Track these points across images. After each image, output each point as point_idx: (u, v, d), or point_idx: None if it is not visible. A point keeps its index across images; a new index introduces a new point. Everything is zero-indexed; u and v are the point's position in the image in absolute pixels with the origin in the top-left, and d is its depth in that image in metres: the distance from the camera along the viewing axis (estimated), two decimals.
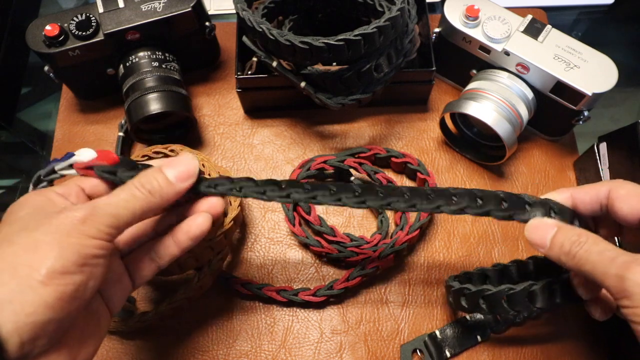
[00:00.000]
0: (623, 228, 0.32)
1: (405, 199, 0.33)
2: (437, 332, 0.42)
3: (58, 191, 0.28)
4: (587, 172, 0.48)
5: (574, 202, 0.32)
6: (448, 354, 0.42)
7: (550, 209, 0.31)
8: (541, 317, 0.43)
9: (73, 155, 0.30)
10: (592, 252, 0.27)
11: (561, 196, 0.32)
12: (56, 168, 0.30)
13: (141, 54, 0.47)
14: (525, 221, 0.31)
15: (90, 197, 0.29)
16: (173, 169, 0.29)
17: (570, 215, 0.32)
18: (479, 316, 0.43)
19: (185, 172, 0.29)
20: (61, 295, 0.23)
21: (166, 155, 0.45)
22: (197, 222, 0.31)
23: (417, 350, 0.42)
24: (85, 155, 0.30)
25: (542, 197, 0.33)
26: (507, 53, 0.45)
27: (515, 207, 0.32)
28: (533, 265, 0.39)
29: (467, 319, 0.43)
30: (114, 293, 0.30)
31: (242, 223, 0.48)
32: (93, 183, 0.30)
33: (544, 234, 0.30)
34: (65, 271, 0.24)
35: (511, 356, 0.42)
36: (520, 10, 0.47)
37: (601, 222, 0.33)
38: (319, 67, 0.48)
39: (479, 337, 0.42)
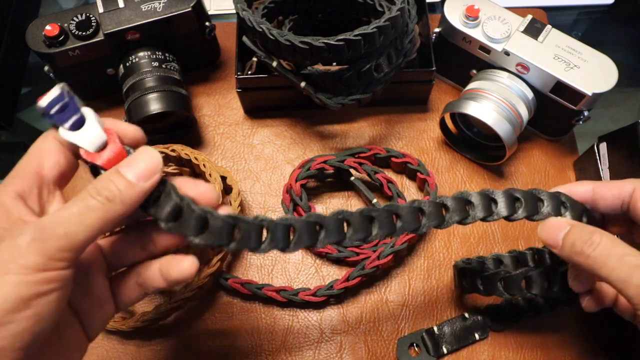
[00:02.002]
0: (635, 227, 0.32)
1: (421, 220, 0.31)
2: (435, 328, 0.43)
3: (17, 189, 0.24)
4: (587, 172, 0.48)
5: (594, 197, 0.31)
6: (445, 350, 0.42)
7: (561, 203, 0.31)
8: (541, 316, 0.43)
9: (76, 121, 0.25)
10: (611, 255, 0.26)
11: (583, 188, 0.32)
12: (60, 131, 0.26)
13: (141, 54, 0.47)
14: (540, 220, 0.31)
15: (53, 183, 0.25)
16: (131, 167, 0.24)
17: (580, 210, 0.31)
18: (478, 315, 0.43)
19: (146, 169, 0.24)
20: None
21: (167, 155, 0.45)
22: (180, 268, 0.27)
23: (414, 345, 0.42)
24: (91, 140, 0.26)
25: (555, 189, 0.32)
26: (507, 53, 0.45)
27: (530, 207, 0.31)
28: (549, 253, 0.39)
29: (466, 317, 0.43)
30: (95, 317, 0.26)
31: None
32: (52, 162, 0.25)
33: (556, 232, 0.29)
34: None
35: (511, 356, 0.42)
36: (520, 10, 0.47)
37: (612, 219, 0.33)
38: (319, 67, 0.48)
39: (477, 336, 0.42)
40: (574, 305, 0.41)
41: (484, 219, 0.31)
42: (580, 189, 0.32)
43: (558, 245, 0.29)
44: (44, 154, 0.25)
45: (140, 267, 0.28)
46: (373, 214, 0.29)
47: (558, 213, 0.31)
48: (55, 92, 0.25)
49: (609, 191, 0.31)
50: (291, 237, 0.28)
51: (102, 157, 0.26)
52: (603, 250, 0.27)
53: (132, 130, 0.27)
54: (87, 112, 0.26)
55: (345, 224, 0.29)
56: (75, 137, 0.26)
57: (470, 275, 0.40)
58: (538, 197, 0.32)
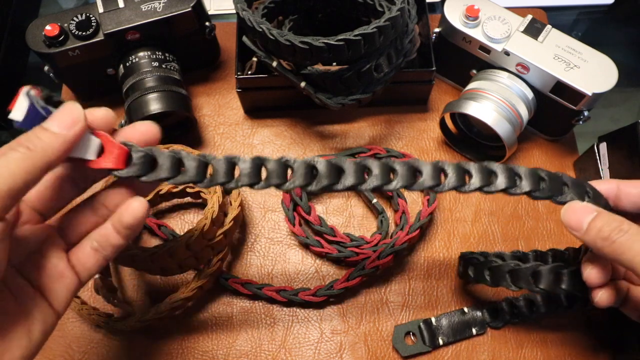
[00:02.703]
0: None
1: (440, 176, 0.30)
2: (433, 319, 0.43)
3: None
4: (587, 172, 0.48)
5: (619, 194, 0.31)
6: (441, 342, 0.42)
7: (586, 192, 0.31)
8: (540, 321, 0.43)
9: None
10: (638, 241, 0.27)
11: (607, 186, 0.32)
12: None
13: (141, 54, 0.47)
14: (562, 204, 0.31)
15: None
16: (53, 120, 0.25)
17: (603, 203, 0.31)
18: (478, 311, 0.43)
19: (69, 119, 0.25)
20: None
21: None
22: (130, 209, 0.28)
23: (411, 334, 0.43)
24: (88, 148, 0.27)
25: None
26: (507, 53, 0.45)
27: (554, 188, 0.31)
28: (552, 257, 0.39)
29: (465, 311, 0.43)
30: (56, 289, 0.27)
31: (242, 223, 0.48)
32: None
33: (582, 217, 0.29)
34: None
35: (511, 355, 0.42)
36: (520, 10, 0.47)
37: (634, 219, 0.32)
38: (319, 67, 0.48)
39: (474, 331, 0.43)
40: (573, 308, 0.41)
41: (505, 191, 0.31)
42: (604, 186, 0.32)
43: (582, 229, 0.29)
44: None
45: (92, 233, 0.29)
46: (343, 165, 0.29)
47: (581, 200, 0.31)
48: (23, 103, 0.25)
49: (635, 189, 0.31)
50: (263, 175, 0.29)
51: (106, 162, 0.27)
52: (630, 236, 0.27)
53: (102, 113, 0.28)
54: None
55: (290, 170, 0.29)
56: (71, 153, 0.26)
57: (477, 265, 0.40)
58: (563, 181, 0.31)
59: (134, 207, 0.28)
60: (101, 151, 0.27)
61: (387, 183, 0.30)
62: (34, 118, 0.25)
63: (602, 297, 0.31)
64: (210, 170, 0.29)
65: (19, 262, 0.26)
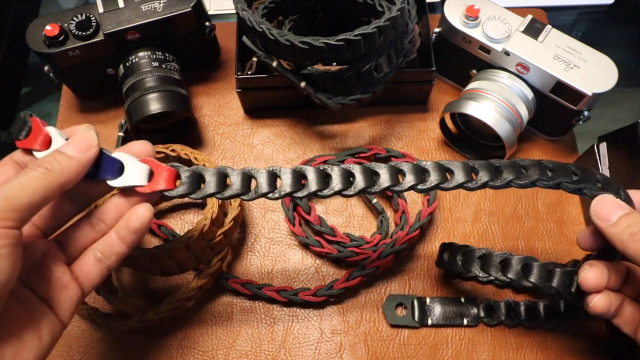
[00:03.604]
0: None
1: (470, 174, 0.31)
2: (428, 299, 0.44)
3: None
4: None
5: None
6: (430, 322, 0.43)
7: (618, 193, 0.31)
8: (533, 329, 0.43)
9: (118, 169, 0.29)
10: None
11: (638, 197, 0.32)
12: (111, 184, 0.29)
13: (141, 54, 0.47)
14: (593, 196, 0.31)
15: None
16: (69, 145, 0.28)
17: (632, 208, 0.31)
18: (474, 305, 0.43)
19: (83, 144, 0.28)
20: None
21: (167, 155, 0.45)
22: (137, 214, 0.29)
23: (403, 306, 0.43)
24: (138, 175, 0.29)
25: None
26: (507, 53, 0.45)
27: (586, 181, 0.31)
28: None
29: (462, 301, 0.44)
30: (61, 300, 0.29)
31: (242, 223, 0.48)
32: (2, 178, 0.28)
33: (614, 210, 0.29)
34: None
35: (511, 356, 0.42)
36: (520, 10, 0.47)
37: None
38: (319, 67, 0.48)
39: (465, 321, 0.43)
40: (571, 317, 0.41)
41: (536, 182, 0.31)
42: (636, 196, 0.32)
43: (610, 220, 0.29)
44: None
45: (95, 244, 0.30)
46: (306, 173, 0.31)
47: None
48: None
49: None
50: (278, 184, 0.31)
51: (158, 184, 0.29)
52: None
53: (139, 147, 0.31)
54: (121, 155, 0.29)
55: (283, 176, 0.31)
56: (125, 182, 0.29)
57: (453, 250, 0.40)
58: (596, 178, 0.32)
59: (141, 212, 0.29)
60: (151, 176, 0.30)
61: (421, 182, 0.31)
62: (97, 165, 0.29)
63: (597, 302, 0.31)
64: (253, 183, 0.31)
65: (23, 273, 0.27)
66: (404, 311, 0.43)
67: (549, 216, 0.48)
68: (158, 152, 0.45)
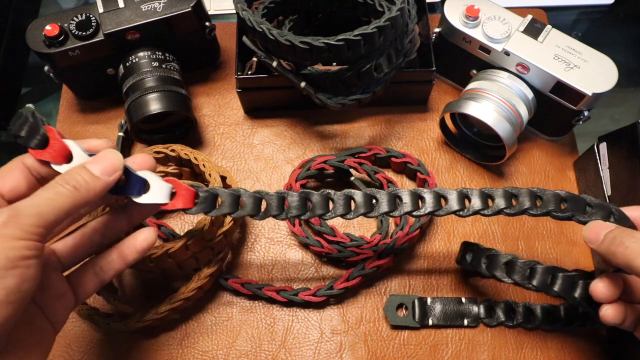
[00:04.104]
0: None
1: (463, 201, 0.34)
2: (429, 299, 0.44)
3: None
4: (587, 172, 0.48)
5: None
6: (430, 322, 0.43)
7: (611, 213, 0.32)
8: (533, 330, 0.43)
9: (141, 186, 0.30)
10: None
11: (637, 213, 0.32)
12: (136, 200, 0.30)
13: (141, 54, 0.47)
14: (584, 223, 0.32)
15: (9, 202, 0.28)
16: (96, 164, 0.29)
17: (629, 224, 0.32)
18: (474, 305, 0.43)
19: (110, 166, 0.29)
20: None
21: (167, 155, 0.45)
22: (143, 236, 0.32)
23: (404, 306, 0.43)
24: (161, 193, 0.31)
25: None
26: (507, 53, 0.45)
27: (575, 208, 0.33)
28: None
29: (462, 301, 0.43)
30: (57, 308, 0.30)
31: (242, 223, 0.48)
32: (13, 184, 0.29)
33: (600, 230, 0.30)
34: None
35: (511, 356, 0.42)
36: (520, 10, 0.47)
37: None
38: (319, 67, 0.48)
39: (466, 322, 0.43)
40: (572, 326, 0.41)
41: (526, 212, 0.33)
42: (634, 213, 0.32)
43: (598, 241, 0.30)
44: (5, 175, 0.29)
45: (96, 258, 0.32)
46: (311, 198, 0.34)
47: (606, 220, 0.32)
48: (117, 165, 0.29)
49: None
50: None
51: (178, 203, 0.31)
52: None
53: (141, 160, 0.32)
54: (145, 174, 0.30)
55: (309, 202, 0.34)
56: (150, 199, 0.30)
57: (476, 251, 0.40)
58: (586, 202, 0.33)
59: (147, 235, 0.32)
60: (173, 194, 0.32)
61: (417, 209, 0.34)
62: (124, 185, 0.30)
63: (607, 311, 0.31)
64: (264, 204, 0.33)
65: None
66: (404, 312, 0.43)
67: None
68: (158, 152, 0.45)
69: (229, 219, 0.42)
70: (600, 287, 0.31)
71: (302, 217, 0.33)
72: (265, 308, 0.44)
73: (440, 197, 0.34)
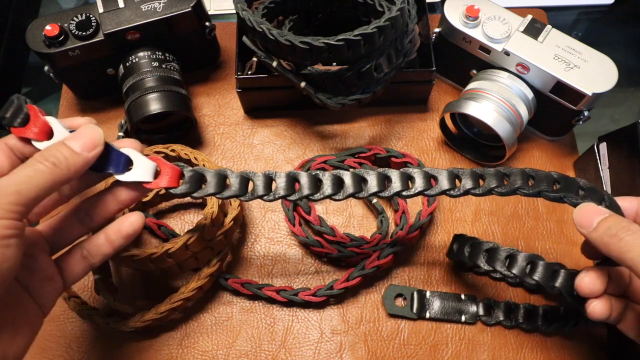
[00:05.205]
0: None
1: (454, 181, 0.34)
2: (428, 293, 0.44)
3: None
4: (587, 172, 0.48)
5: (639, 210, 0.32)
6: (428, 315, 0.43)
7: (603, 199, 0.31)
8: (532, 332, 0.43)
9: (124, 163, 0.30)
10: None
11: (627, 203, 0.32)
12: (118, 177, 0.30)
13: (141, 54, 0.47)
14: (576, 205, 0.31)
15: None
16: (76, 140, 0.28)
17: (619, 213, 0.31)
18: (474, 303, 0.43)
19: (90, 141, 0.28)
20: None
21: (167, 155, 0.45)
22: (129, 220, 0.31)
23: (403, 297, 0.44)
24: (145, 171, 0.30)
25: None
26: (507, 53, 0.45)
27: (567, 190, 0.32)
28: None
29: (462, 298, 0.44)
30: (45, 291, 0.29)
31: (242, 223, 0.48)
32: None
33: (593, 216, 0.30)
34: None
35: (511, 356, 0.42)
36: (520, 10, 0.47)
37: None
38: (319, 67, 0.48)
39: (463, 318, 0.43)
40: (571, 324, 0.41)
41: (517, 190, 0.33)
42: (625, 203, 0.32)
43: (591, 227, 0.29)
44: None
45: (84, 241, 0.31)
46: (299, 178, 0.33)
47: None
48: (99, 143, 0.28)
49: None
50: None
51: (163, 182, 0.30)
52: (638, 236, 0.27)
53: (131, 143, 0.31)
54: (128, 151, 0.30)
55: (296, 182, 0.33)
56: (133, 177, 0.30)
57: (462, 240, 0.41)
58: (579, 185, 0.32)
59: (134, 219, 0.31)
60: (157, 173, 0.31)
61: (406, 189, 0.33)
62: (107, 161, 0.29)
63: (595, 307, 0.31)
64: (251, 185, 0.33)
65: None
66: (403, 302, 0.44)
67: (549, 216, 0.48)
68: (158, 152, 0.45)
69: (229, 219, 0.42)
70: (586, 282, 0.31)
71: (290, 198, 0.33)
72: (265, 308, 0.44)
73: (430, 177, 0.34)
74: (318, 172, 0.33)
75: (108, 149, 0.29)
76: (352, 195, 0.33)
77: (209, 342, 0.43)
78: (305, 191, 0.33)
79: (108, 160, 0.29)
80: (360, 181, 0.34)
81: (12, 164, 0.29)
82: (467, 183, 0.33)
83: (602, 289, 0.31)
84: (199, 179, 0.32)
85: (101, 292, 0.41)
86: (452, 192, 0.33)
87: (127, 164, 0.30)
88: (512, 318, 0.43)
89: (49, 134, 0.29)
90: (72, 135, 0.28)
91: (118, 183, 0.31)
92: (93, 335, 0.43)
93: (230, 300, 0.45)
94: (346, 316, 0.44)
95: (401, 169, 0.34)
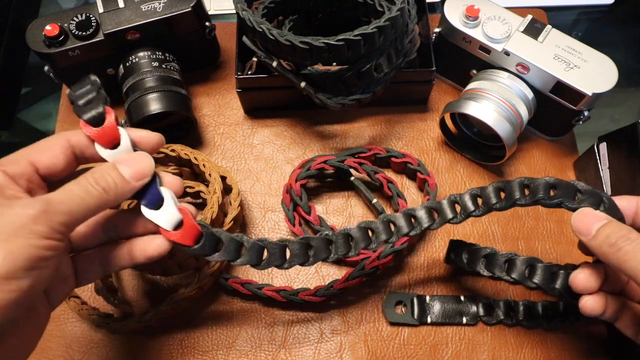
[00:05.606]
0: None
1: (454, 205, 0.36)
2: (427, 297, 0.44)
3: (8, 171, 0.26)
4: (587, 172, 0.48)
5: (638, 210, 0.32)
6: (429, 320, 0.43)
7: (602, 201, 0.31)
8: (532, 328, 0.43)
9: (157, 203, 0.29)
10: None
11: (626, 202, 0.32)
12: (143, 211, 0.29)
13: (141, 54, 0.47)
14: (574, 210, 0.31)
15: (42, 177, 0.28)
16: (128, 167, 0.28)
17: (618, 217, 0.31)
18: (473, 304, 0.43)
19: (140, 171, 0.28)
20: (4, 303, 0.22)
21: (167, 155, 0.45)
22: (157, 243, 0.30)
23: (403, 304, 0.43)
24: (168, 220, 0.29)
25: None
26: (507, 53, 0.45)
27: (564, 194, 0.32)
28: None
29: (461, 300, 0.44)
30: (58, 291, 0.29)
31: (242, 223, 0.48)
32: (51, 161, 0.27)
33: (591, 223, 0.29)
34: (11, 277, 0.22)
35: (511, 356, 0.42)
36: (520, 10, 0.47)
37: None
38: (319, 67, 0.48)
39: (464, 320, 0.43)
40: (571, 319, 0.41)
41: (515, 203, 0.34)
42: (623, 202, 0.32)
43: (590, 234, 0.29)
44: (45, 149, 0.28)
45: (105, 249, 0.31)
46: (312, 243, 0.34)
47: (595, 208, 0.31)
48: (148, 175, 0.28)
49: None
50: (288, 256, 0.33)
51: (182, 237, 0.30)
52: (637, 245, 0.27)
53: (152, 137, 0.31)
54: (165, 193, 0.29)
55: (288, 250, 0.34)
56: (155, 218, 0.29)
57: (459, 246, 0.41)
58: (577, 189, 0.32)
59: (160, 243, 0.30)
60: (179, 225, 0.30)
61: (412, 229, 0.35)
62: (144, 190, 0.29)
63: (586, 302, 0.31)
64: (265, 253, 0.33)
65: None
66: (403, 309, 0.43)
67: (549, 216, 0.48)
68: (158, 152, 0.45)
69: (229, 219, 0.42)
70: (580, 279, 0.31)
71: (305, 265, 0.34)
72: (265, 308, 0.44)
73: (431, 210, 0.36)
74: (328, 233, 0.34)
75: (151, 182, 0.29)
76: (364, 248, 0.35)
77: (209, 342, 0.43)
78: (321, 255, 0.34)
79: (145, 191, 0.29)
80: (368, 232, 0.35)
81: (68, 161, 0.28)
82: (467, 207, 0.35)
83: (597, 286, 0.31)
84: (216, 243, 0.32)
85: (101, 292, 0.41)
86: (454, 220, 0.35)
87: (159, 204, 0.29)
88: (513, 316, 0.43)
89: (114, 144, 0.29)
90: (125, 160, 0.28)
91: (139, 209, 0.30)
92: (93, 335, 0.43)
93: (230, 300, 0.45)
94: (346, 316, 0.44)
95: (404, 210, 0.36)
